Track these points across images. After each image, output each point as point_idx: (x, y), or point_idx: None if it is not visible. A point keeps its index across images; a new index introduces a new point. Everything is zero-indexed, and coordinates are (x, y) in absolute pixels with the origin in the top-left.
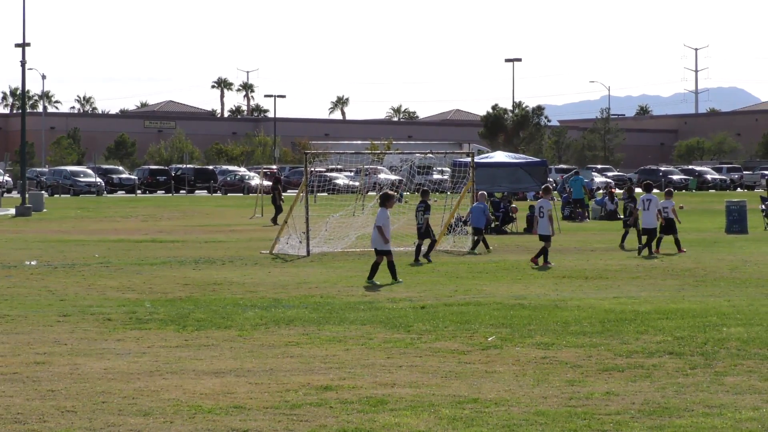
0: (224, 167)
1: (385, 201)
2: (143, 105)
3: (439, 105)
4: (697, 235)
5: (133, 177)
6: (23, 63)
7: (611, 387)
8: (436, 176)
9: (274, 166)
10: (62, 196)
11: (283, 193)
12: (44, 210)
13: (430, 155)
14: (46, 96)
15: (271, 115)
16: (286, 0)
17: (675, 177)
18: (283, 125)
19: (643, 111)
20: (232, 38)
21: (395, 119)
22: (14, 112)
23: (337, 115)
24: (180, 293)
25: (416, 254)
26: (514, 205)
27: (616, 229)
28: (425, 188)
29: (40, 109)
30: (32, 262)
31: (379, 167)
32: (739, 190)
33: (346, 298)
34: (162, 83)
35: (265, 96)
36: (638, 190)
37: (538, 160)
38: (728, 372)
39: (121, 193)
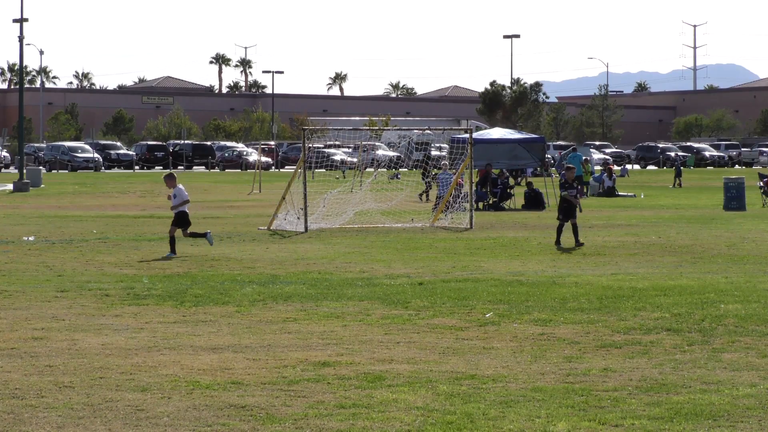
0: (222, 143)
1: None
2: (141, 81)
3: (437, 81)
4: (695, 211)
5: (131, 153)
6: (21, 38)
7: (609, 363)
8: (434, 152)
9: (272, 142)
10: (60, 171)
11: (281, 170)
12: (42, 186)
13: (428, 131)
14: (43, 71)
15: (269, 91)
16: None
17: (673, 154)
18: (281, 101)
19: (642, 88)
20: (231, 14)
21: (393, 95)
22: (12, 87)
23: (335, 91)
24: (178, 269)
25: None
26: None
27: (613, 206)
28: (569, 165)
29: (38, 84)
30: (30, 238)
31: (377, 143)
32: (737, 167)
33: (344, 274)
34: (160, 59)
35: (263, 72)
36: (637, 167)
37: (536, 136)
38: (726, 349)
39: (118, 169)
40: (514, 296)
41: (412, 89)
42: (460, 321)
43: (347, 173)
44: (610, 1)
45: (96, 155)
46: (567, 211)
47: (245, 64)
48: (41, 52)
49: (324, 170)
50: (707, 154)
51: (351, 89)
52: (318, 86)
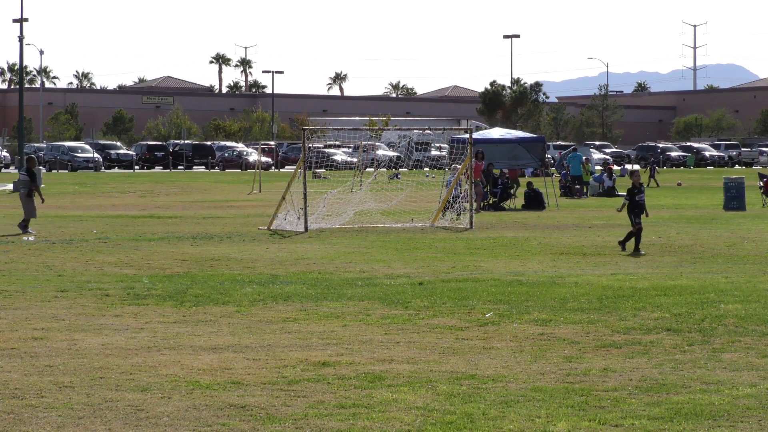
0: (222, 143)
1: None
2: (141, 80)
3: (437, 81)
4: (695, 211)
5: (131, 153)
6: (21, 38)
7: (609, 363)
8: (434, 152)
9: (272, 142)
10: (60, 171)
11: (281, 170)
12: (42, 185)
13: (428, 131)
14: (44, 71)
15: (269, 91)
16: None
17: (673, 154)
18: (281, 101)
19: (642, 88)
20: (231, 14)
21: (393, 95)
22: (12, 87)
23: (335, 91)
24: (178, 269)
25: (631, 240)
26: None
27: (613, 206)
28: (634, 169)
29: (38, 84)
30: (30, 238)
31: (377, 143)
32: (737, 166)
33: (344, 274)
34: (160, 59)
35: (263, 72)
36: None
37: (536, 136)
38: (726, 349)
39: (118, 169)
40: (514, 296)
41: (412, 89)
42: (460, 321)
43: (325, 172)
44: (610, 1)
45: (96, 155)
46: (640, 215)
47: (245, 64)
48: (41, 52)
49: (323, 170)
50: (707, 154)
51: (351, 89)
52: (318, 86)
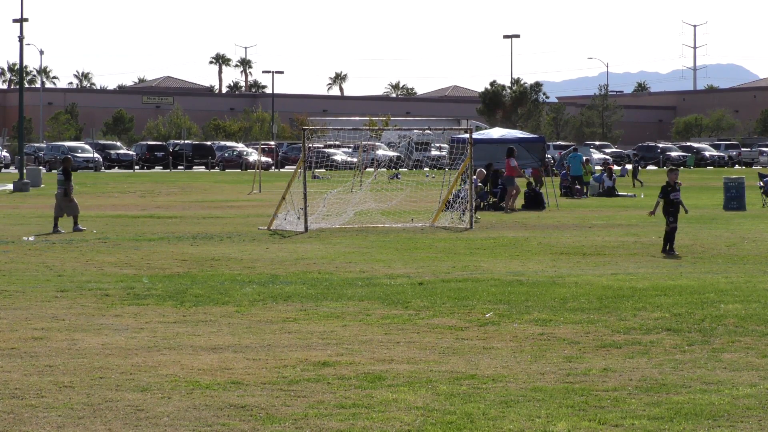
0: (222, 143)
1: None
2: (141, 80)
3: (437, 81)
4: (695, 211)
5: (131, 153)
6: (21, 38)
7: (609, 363)
8: (434, 152)
9: (272, 142)
10: None
11: (281, 170)
12: (42, 185)
13: (428, 131)
14: (44, 71)
15: (269, 91)
16: None
17: (673, 154)
18: (281, 101)
19: (642, 88)
20: (231, 14)
21: (393, 95)
22: (12, 87)
23: (335, 91)
24: (178, 269)
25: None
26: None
27: (613, 206)
28: (673, 167)
29: (38, 84)
30: (30, 238)
31: (377, 143)
32: (737, 166)
33: (344, 274)
34: (160, 59)
35: (263, 72)
36: (630, 167)
37: (536, 136)
38: (726, 349)
39: (118, 169)
40: (514, 296)
41: (412, 89)
42: (460, 321)
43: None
44: (610, 1)
45: (96, 155)
46: (675, 214)
47: (245, 64)
48: (41, 52)
49: (324, 170)
50: (707, 154)
51: (351, 89)
52: (318, 86)
